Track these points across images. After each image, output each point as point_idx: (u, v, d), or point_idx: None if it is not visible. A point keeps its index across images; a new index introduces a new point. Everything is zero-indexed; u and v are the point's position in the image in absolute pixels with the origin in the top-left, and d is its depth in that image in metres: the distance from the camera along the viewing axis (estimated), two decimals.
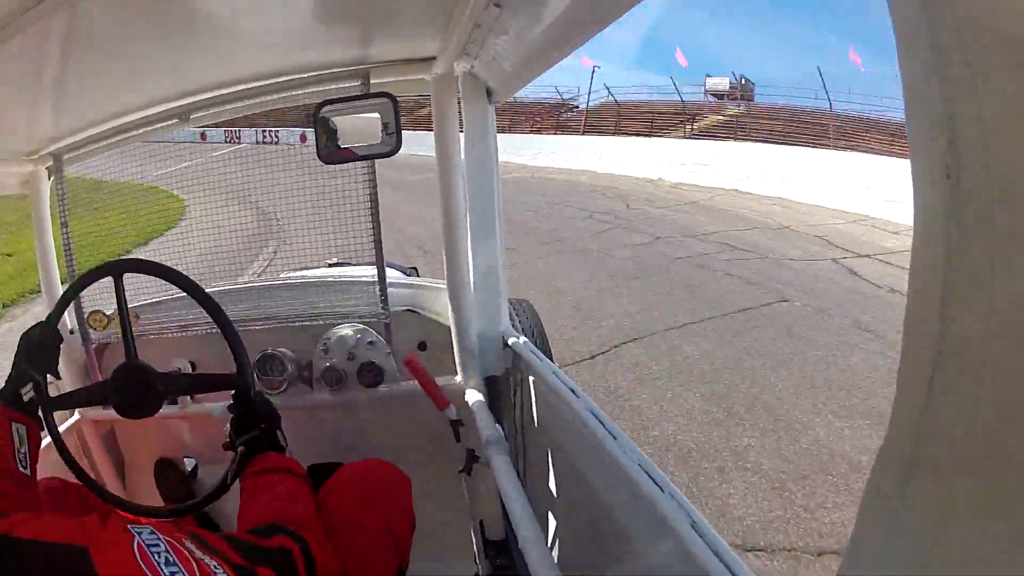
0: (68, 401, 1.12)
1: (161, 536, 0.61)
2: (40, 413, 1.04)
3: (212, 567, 0.62)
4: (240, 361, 1.08)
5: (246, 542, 0.74)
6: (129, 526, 0.61)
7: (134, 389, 1.06)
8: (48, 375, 1.08)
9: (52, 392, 1.11)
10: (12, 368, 1.04)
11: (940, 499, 0.29)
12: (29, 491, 0.94)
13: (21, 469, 0.93)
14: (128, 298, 1.27)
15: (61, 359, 1.56)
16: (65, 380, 1.57)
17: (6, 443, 0.94)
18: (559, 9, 0.85)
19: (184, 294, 1.12)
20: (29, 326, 1.12)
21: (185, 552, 0.61)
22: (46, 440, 1.08)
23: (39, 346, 1.08)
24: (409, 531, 1.11)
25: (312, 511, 0.90)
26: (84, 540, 0.55)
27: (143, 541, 0.59)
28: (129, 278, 1.14)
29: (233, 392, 1.09)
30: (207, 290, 1.13)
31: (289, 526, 0.81)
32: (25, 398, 1.01)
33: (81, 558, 0.53)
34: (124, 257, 1.16)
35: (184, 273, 1.14)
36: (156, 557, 0.58)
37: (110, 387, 1.08)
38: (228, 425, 1.09)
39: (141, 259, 1.15)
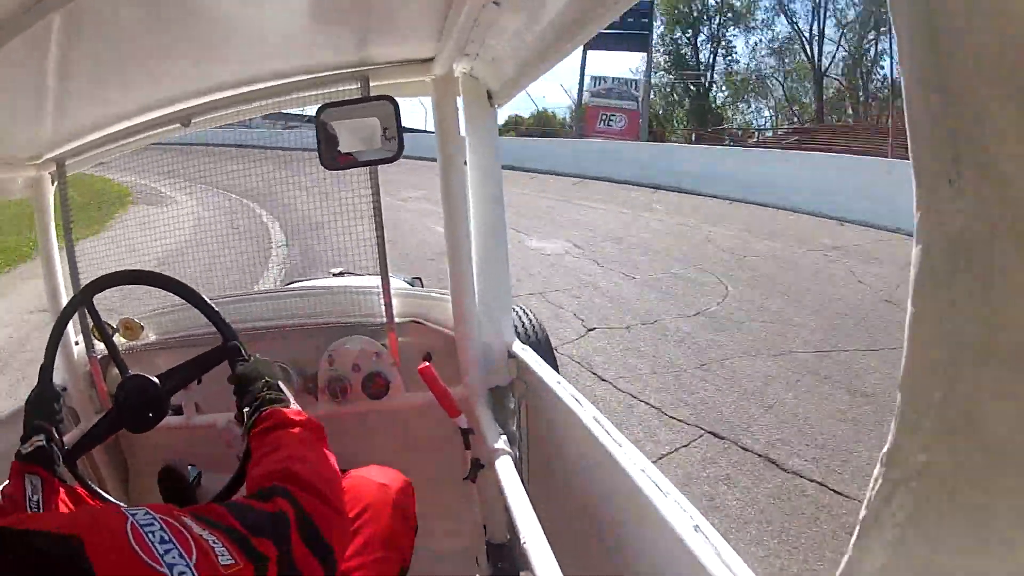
0: (85, 446, 1.14)
1: (156, 515, 0.60)
2: (61, 464, 1.06)
3: (211, 542, 0.61)
4: (222, 328, 1.08)
5: (248, 508, 0.71)
6: (123, 508, 0.60)
7: (138, 402, 1.07)
8: (56, 427, 1.10)
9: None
10: (23, 430, 1.07)
11: (943, 502, 0.29)
12: None
13: None
14: (133, 309, 1.26)
15: (67, 372, 1.57)
16: (71, 391, 1.58)
17: (19, 493, 0.98)
18: (558, 6, 0.85)
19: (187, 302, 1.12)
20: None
21: (181, 529, 0.60)
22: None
23: (41, 405, 1.10)
24: (411, 535, 1.10)
25: (320, 467, 0.85)
26: (77, 529, 0.54)
27: (137, 521, 0.58)
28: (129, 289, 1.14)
29: (228, 361, 1.08)
30: (213, 302, 1.13)
31: (288, 486, 0.76)
32: (32, 448, 1.03)
33: (74, 546, 0.53)
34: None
35: (140, 269, 1.15)
36: (150, 536, 0.57)
37: (116, 412, 1.08)
38: (235, 425, 1.08)
39: (100, 276, 1.16)
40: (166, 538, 0.57)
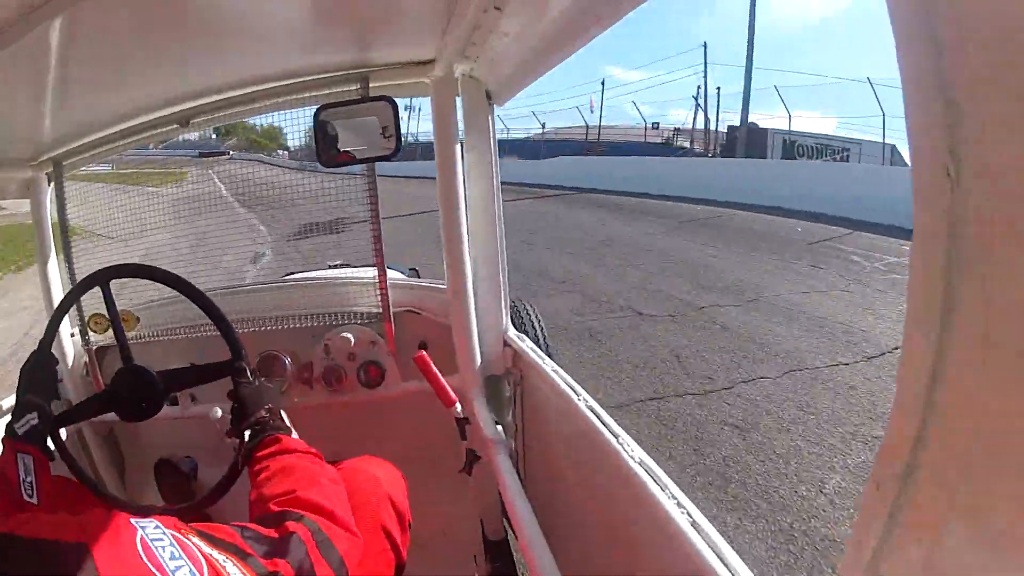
0: (73, 416, 1.12)
1: (166, 530, 0.60)
2: (49, 438, 1.06)
3: (221, 562, 0.61)
4: (233, 345, 1.08)
5: (256, 533, 0.72)
6: (133, 520, 0.60)
7: (135, 392, 1.06)
8: (51, 401, 1.09)
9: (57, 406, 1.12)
10: (15, 402, 1.06)
11: (940, 500, 0.29)
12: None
13: (27, 498, 0.95)
14: (128, 301, 1.24)
15: (62, 363, 1.57)
16: (67, 384, 1.58)
17: (12, 474, 0.97)
18: (559, 11, 0.85)
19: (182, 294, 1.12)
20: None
21: (192, 547, 0.59)
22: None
23: (37, 375, 1.09)
24: (405, 529, 1.10)
25: (329, 491, 0.85)
26: (85, 537, 0.54)
27: (147, 536, 0.58)
28: (124, 281, 1.14)
29: (231, 378, 1.08)
30: (208, 291, 1.13)
31: (300, 511, 0.78)
32: (26, 427, 1.02)
33: (82, 554, 0.52)
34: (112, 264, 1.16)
35: (166, 269, 1.14)
36: (160, 552, 0.57)
37: (111, 394, 1.08)
38: (228, 416, 1.08)
39: (124, 264, 1.15)
40: (176, 554, 0.57)
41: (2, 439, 1.02)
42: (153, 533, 0.59)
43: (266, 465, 0.90)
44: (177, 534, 0.60)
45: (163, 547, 0.57)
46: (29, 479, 0.97)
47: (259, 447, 0.95)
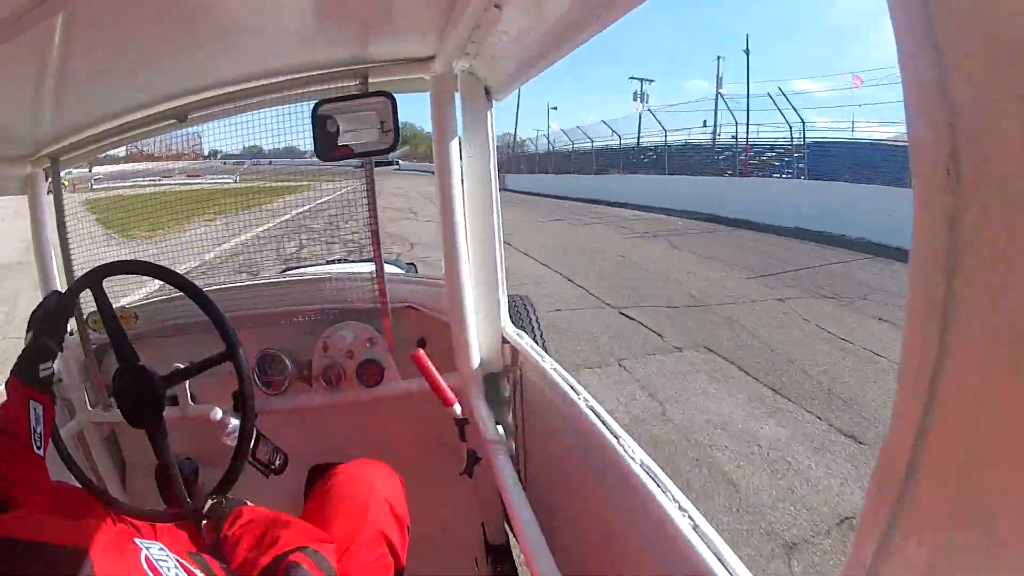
0: (111, 329, 1.05)
1: (170, 553, 0.61)
2: (54, 391, 1.01)
3: None
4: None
5: None
6: (136, 539, 0.61)
7: (137, 393, 1.05)
8: (58, 353, 1.03)
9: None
10: (30, 342, 0.99)
11: (940, 500, 0.29)
12: (42, 474, 0.92)
13: (36, 450, 0.91)
14: (124, 299, 1.23)
15: (61, 361, 1.56)
16: (66, 382, 1.57)
17: (23, 424, 0.91)
18: (560, 10, 0.85)
19: (180, 292, 1.12)
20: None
21: (194, 571, 0.61)
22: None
23: (55, 315, 1.03)
24: (404, 532, 1.10)
25: (298, 525, 0.88)
26: (85, 543, 0.54)
27: (151, 555, 0.59)
28: (122, 277, 1.13)
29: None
30: (205, 289, 1.12)
31: (286, 550, 0.79)
32: (43, 374, 0.97)
33: (81, 561, 0.53)
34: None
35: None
36: (166, 572, 0.58)
37: (129, 368, 1.04)
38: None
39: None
40: (181, 574, 0.59)
41: (14, 381, 0.95)
42: (158, 554, 0.60)
43: (237, 534, 0.90)
44: (181, 559, 0.62)
45: (167, 568, 0.59)
46: (40, 429, 0.93)
47: (225, 517, 0.95)
